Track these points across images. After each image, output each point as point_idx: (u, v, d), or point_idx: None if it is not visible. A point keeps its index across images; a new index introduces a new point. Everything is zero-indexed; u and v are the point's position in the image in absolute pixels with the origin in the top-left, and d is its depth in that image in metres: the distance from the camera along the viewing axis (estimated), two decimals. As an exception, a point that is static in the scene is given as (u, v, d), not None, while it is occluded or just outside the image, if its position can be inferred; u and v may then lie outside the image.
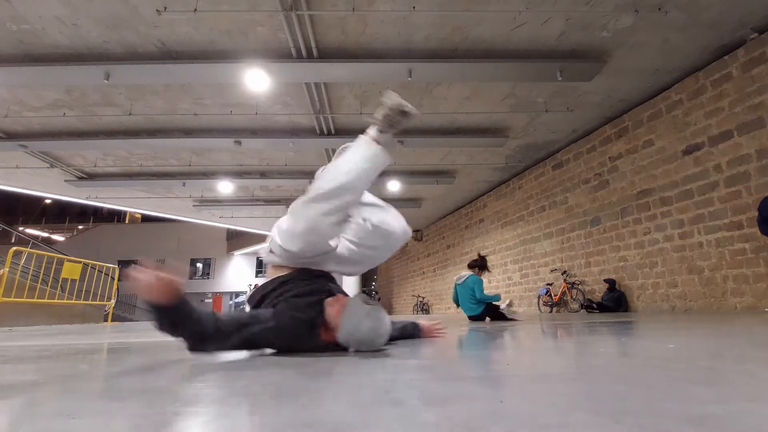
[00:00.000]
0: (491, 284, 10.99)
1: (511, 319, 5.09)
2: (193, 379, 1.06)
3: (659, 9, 4.68)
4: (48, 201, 29.31)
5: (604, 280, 7.22)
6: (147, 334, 3.63)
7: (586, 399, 0.69)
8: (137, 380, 1.05)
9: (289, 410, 0.70)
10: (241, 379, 1.10)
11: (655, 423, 0.52)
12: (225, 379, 1.06)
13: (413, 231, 18.77)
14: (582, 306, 7.61)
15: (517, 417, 0.57)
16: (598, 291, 7.41)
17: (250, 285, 19.80)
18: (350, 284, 16.60)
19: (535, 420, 0.55)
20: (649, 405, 0.61)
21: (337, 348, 1.40)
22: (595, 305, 7.13)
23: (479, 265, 5.82)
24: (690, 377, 0.84)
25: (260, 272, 25.26)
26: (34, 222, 30.91)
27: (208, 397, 0.83)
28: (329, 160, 8.25)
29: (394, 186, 10.47)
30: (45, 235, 29.15)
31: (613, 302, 6.90)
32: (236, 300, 25.37)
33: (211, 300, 25.24)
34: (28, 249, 7.04)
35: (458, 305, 5.72)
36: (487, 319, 5.39)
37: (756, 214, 4.63)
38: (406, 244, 16.66)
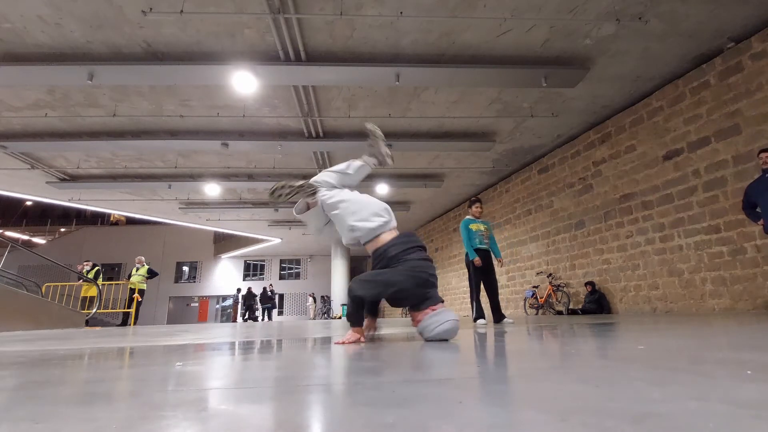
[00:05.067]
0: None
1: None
2: (165, 384, 1.06)
3: (640, 18, 4.81)
4: (29, 203, 28.64)
5: (585, 283, 7.37)
6: (125, 339, 3.59)
7: (541, 399, 0.72)
8: (108, 385, 1.05)
9: (248, 412, 0.71)
10: (211, 382, 1.10)
11: (599, 421, 0.54)
12: (196, 383, 1.07)
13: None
14: (567, 311, 7.74)
15: (469, 417, 0.59)
16: (583, 293, 7.53)
17: (239, 289, 19.54)
18: (339, 285, 16.54)
19: (484, 420, 0.57)
20: (598, 404, 0.64)
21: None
22: (579, 311, 7.29)
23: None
24: (647, 377, 0.87)
25: (248, 276, 25.01)
26: (15, 224, 30.14)
27: (176, 401, 0.84)
28: (317, 163, 8.20)
29: (382, 189, 10.51)
30: (26, 237, 28.44)
31: (595, 304, 7.05)
32: (223, 304, 25.06)
33: (197, 304, 24.87)
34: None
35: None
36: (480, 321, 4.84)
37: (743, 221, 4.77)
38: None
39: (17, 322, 6.44)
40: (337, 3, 4.56)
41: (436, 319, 2.03)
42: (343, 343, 2.06)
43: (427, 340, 2.06)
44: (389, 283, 2.07)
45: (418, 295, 2.11)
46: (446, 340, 2.03)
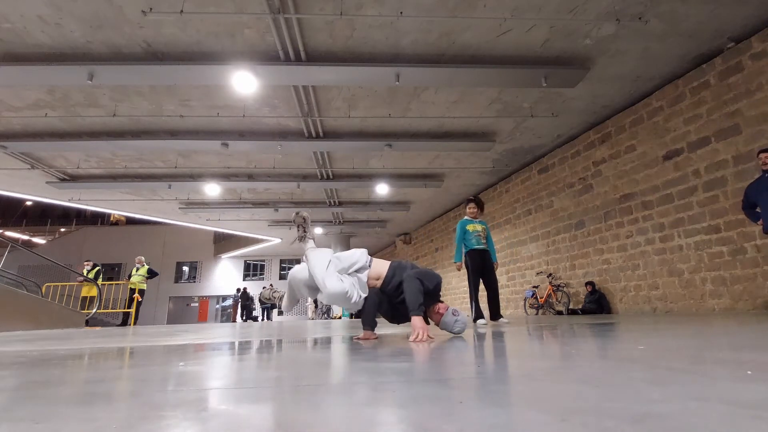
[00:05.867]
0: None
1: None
2: (165, 384, 1.06)
3: (639, 18, 4.81)
4: (29, 203, 28.63)
5: (585, 283, 7.37)
6: (125, 339, 3.59)
7: (541, 399, 0.72)
8: (108, 385, 1.05)
9: (248, 412, 0.71)
10: (211, 382, 1.10)
11: (599, 421, 0.54)
12: (196, 383, 1.07)
13: (403, 234, 18.70)
14: (567, 311, 7.74)
15: (469, 417, 0.59)
16: (583, 293, 7.53)
17: (238, 289, 19.57)
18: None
19: (485, 420, 0.57)
20: (598, 404, 0.64)
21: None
22: (579, 311, 7.29)
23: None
24: (647, 377, 0.87)
25: (248, 276, 25.02)
26: (15, 224, 30.13)
27: (176, 401, 0.84)
28: (317, 163, 8.18)
29: (382, 189, 10.51)
30: (26, 237, 28.44)
31: (595, 304, 7.04)
32: (223, 304, 25.06)
33: (197, 304, 24.87)
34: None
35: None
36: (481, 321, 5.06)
37: (742, 218, 4.77)
38: (395, 246, 16.52)
39: (17, 322, 6.44)
40: (337, 3, 4.56)
41: (458, 318, 2.47)
42: (420, 341, 2.15)
43: (451, 332, 2.50)
44: (435, 276, 2.49)
45: (438, 292, 2.54)
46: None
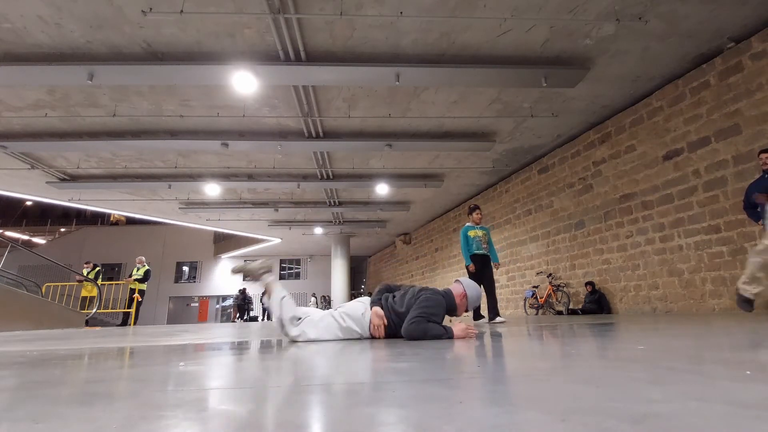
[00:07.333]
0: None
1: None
2: (165, 384, 1.06)
3: (640, 18, 4.81)
4: (29, 203, 28.63)
5: (585, 283, 7.37)
6: (125, 339, 3.59)
7: (541, 399, 0.72)
8: (108, 385, 1.05)
9: (248, 413, 0.71)
10: (211, 382, 1.10)
11: (599, 421, 0.54)
12: (196, 383, 1.07)
13: (403, 234, 18.71)
14: (567, 311, 7.74)
15: (470, 417, 0.59)
16: (583, 293, 7.53)
17: (240, 290, 19.60)
18: (339, 285, 16.52)
19: (486, 420, 0.57)
20: (598, 404, 0.64)
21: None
22: (579, 311, 7.29)
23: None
24: (647, 377, 0.87)
25: (247, 277, 25.01)
26: (14, 224, 30.12)
27: (176, 401, 0.84)
28: (317, 163, 8.20)
29: (382, 189, 10.51)
30: (26, 237, 28.43)
31: (595, 304, 7.05)
32: (223, 304, 25.06)
33: (197, 304, 24.87)
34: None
35: None
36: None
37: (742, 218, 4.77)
38: (395, 245, 16.52)
39: (17, 322, 6.44)
40: (337, 3, 4.56)
41: (471, 300, 2.59)
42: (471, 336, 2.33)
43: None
44: (440, 303, 2.49)
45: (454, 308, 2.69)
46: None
